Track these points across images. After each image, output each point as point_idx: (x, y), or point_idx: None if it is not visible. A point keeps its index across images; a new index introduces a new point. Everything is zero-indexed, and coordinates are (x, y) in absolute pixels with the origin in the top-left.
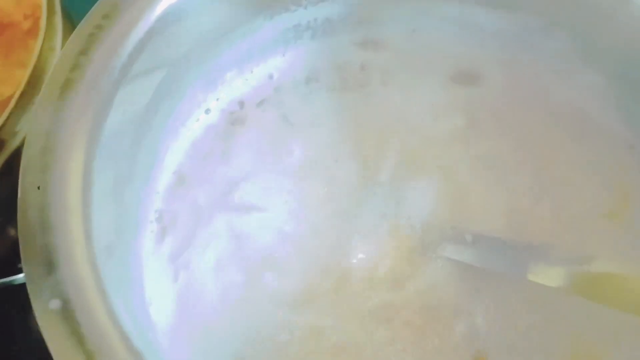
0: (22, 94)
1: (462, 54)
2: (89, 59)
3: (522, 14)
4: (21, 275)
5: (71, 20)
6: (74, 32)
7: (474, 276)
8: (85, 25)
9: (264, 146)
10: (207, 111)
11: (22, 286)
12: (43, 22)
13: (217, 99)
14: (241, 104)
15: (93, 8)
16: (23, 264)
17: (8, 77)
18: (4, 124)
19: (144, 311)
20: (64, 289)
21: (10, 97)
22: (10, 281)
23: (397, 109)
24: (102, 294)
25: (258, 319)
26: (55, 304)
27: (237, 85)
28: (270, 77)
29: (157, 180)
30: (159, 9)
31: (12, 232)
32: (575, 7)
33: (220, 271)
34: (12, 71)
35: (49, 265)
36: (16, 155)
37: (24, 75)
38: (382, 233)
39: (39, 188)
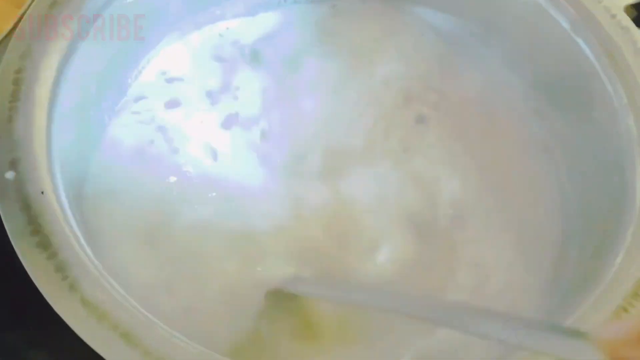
0: (13, 29)
1: None
2: None
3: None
4: None
5: None
6: None
7: None
8: None
9: None
10: None
11: None
12: None
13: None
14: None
15: None
16: None
17: (7, 14)
18: None
19: None
20: (19, 164)
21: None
22: None
23: None
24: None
25: None
26: (9, 174)
27: None
28: None
29: None
30: None
31: None
32: (504, 16)
33: None
34: (11, 9)
35: (10, 144)
36: None
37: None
38: None
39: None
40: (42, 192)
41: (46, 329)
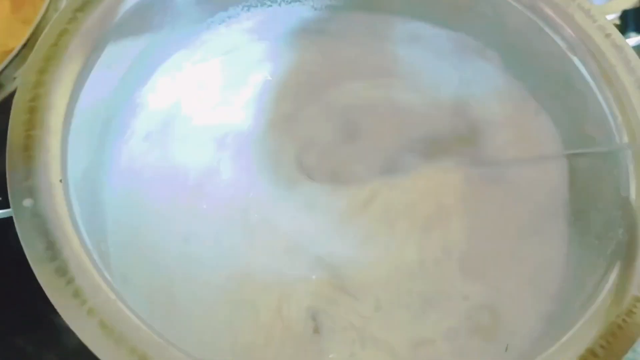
0: (24, 47)
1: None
2: (85, 14)
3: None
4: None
5: None
6: None
7: None
8: None
9: None
10: None
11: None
12: None
13: None
14: None
15: None
16: (7, 171)
17: (16, 31)
18: (3, 70)
19: None
20: (37, 192)
21: (13, 49)
22: None
23: None
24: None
25: None
26: (28, 202)
27: None
28: None
29: None
30: None
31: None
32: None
33: None
34: (19, 26)
35: (27, 172)
36: (12, 97)
37: (28, 31)
38: None
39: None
40: (60, 180)
41: (54, 333)
